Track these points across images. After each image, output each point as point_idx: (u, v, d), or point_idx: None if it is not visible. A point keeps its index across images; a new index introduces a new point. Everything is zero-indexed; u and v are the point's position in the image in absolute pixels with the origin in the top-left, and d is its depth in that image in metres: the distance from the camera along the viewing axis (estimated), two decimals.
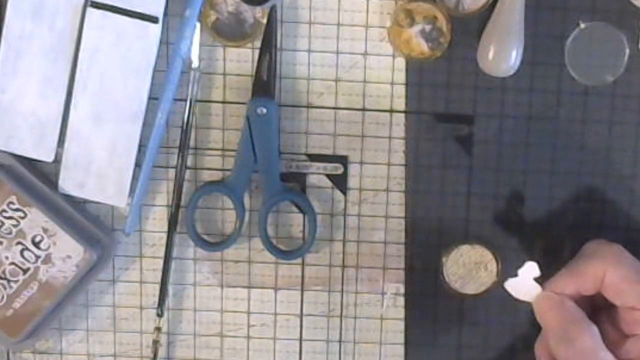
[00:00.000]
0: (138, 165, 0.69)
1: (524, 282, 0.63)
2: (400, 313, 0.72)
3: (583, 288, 0.63)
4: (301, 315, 0.73)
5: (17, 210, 0.68)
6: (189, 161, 0.70)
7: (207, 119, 0.70)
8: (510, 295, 0.65)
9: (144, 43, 0.66)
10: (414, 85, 0.69)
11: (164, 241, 0.71)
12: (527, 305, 0.65)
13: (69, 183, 0.69)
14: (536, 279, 0.63)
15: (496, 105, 0.69)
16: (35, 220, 0.68)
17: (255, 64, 0.68)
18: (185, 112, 0.69)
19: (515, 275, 0.63)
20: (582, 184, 0.70)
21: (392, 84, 0.69)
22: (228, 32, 0.68)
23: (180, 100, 0.69)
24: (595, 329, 0.61)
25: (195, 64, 0.68)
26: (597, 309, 0.65)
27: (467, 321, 0.72)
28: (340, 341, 0.73)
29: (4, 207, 0.68)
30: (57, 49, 0.67)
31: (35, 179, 0.69)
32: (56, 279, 0.69)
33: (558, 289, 0.63)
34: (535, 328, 0.65)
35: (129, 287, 0.73)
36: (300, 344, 0.73)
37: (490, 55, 0.66)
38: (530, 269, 0.63)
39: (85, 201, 0.70)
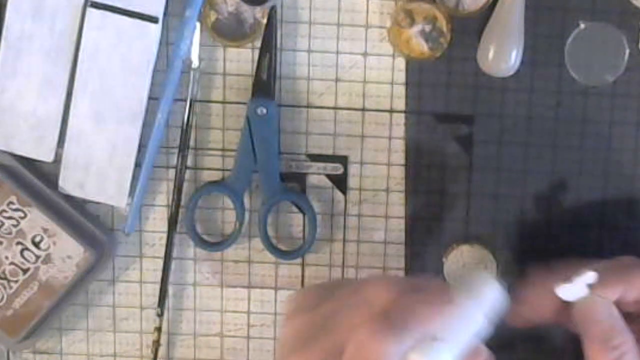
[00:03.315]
0: (138, 165, 0.69)
1: (577, 288, 0.62)
2: None
3: (627, 296, 0.62)
4: None
5: (17, 210, 0.68)
6: (189, 161, 0.70)
7: (207, 119, 0.70)
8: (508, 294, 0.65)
9: (144, 43, 0.66)
10: (414, 85, 0.69)
11: (164, 241, 0.71)
12: None
13: (69, 183, 0.69)
14: (589, 285, 0.61)
15: (496, 105, 0.69)
16: (35, 220, 0.68)
17: (255, 64, 0.68)
18: (185, 112, 0.69)
19: (570, 281, 0.61)
20: (582, 184, 0.70)
21: (392, 84, 0.69)
22: (228, 32, 0.68)
23: (180, 100, 0.69)
24: (634, 340, 0.61)
25: (195, 64, 0.68)
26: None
27: None
28: None
29: (4, 207, 0.68)
30: (57, 49, 0.67)
31: (35, 179, 0.69)
32: (56, 279, 0.69)
33: (604, 293, 0.62)
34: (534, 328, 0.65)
35: (129, 287, 0.73)
36: None
37: (490, 55, 0.66)
38: (588, 278, 0.61)
39: (85, 201, 0.70)
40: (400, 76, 0.69)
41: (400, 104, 0.69)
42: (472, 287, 0.55)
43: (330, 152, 0.70)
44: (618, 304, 0.63)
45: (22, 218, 0.68)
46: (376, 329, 0.52)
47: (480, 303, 0.54)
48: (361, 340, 0.52)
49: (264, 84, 0.68)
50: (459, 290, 0.54)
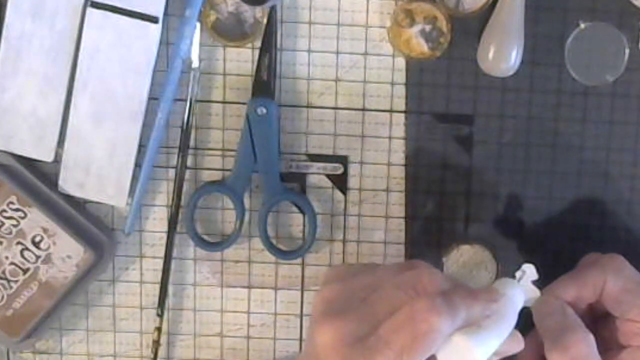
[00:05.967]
0: (138, 165, 0.69)
1: (518, 281, 0.62)
2: None
3: (582, 295, 0.63)
4: (301, 315, 0.73)
5: (17, 210, 0.68)
6: (189, 161, 0.70)
7: (207, 119, 0.70)
8: None
9: (144, 43, 0.66)
10: (414, 85, 0.69)
11: (164, 241, 0.71)
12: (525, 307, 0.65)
13: (69, 183, 0.69)
14: (534, 282, 0.62)
15: (496, 105, 0.69)
16: (35, 220, 0.68)
17: (255, 64, 0.68)
18: (185, 112, 0.69)
19: (513, 277, 0.62)
20: (582, 184, 0.70)
21: (392, 84, 0.69)
22: (228, 32, 0.68)
23: (180, 100, 0.69)
24: (591, 337, 0.61)
25: (195, 64, 0.68)
26: (596, 317, 0.65)
27: None
28: None
29: (4, 207, 0.68)
30: (57, 49, 0.67)
31: (35, 179, 0.69)
32: (56, 279, 0.69)
33: (558, 294, 0.63)
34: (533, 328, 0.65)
35: (129, 287, 0.73)
36: (300, 344, 0.73)
37: (490, 55, 0.66)
38: (526, 272, 0.62)
39: (85, 201, 0.70)
40: (400, 76, 0.69)
41: (400, 104, 0.69)
42: (506, 290, 0.59)
43: (330, 152, 0.70)
44: (581, 304, 0.64)
45: (22, 218, 0.68)
46: (436, 303, 0.54)
47: (513, 303, 0.59)
48: (417, 310, 0.54)
49: (264, 84, 0.68)
50: (498, 291, 0.59)
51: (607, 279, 0.63)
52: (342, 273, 0.59)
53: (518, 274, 0.62)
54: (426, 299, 0.55)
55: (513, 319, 0.59)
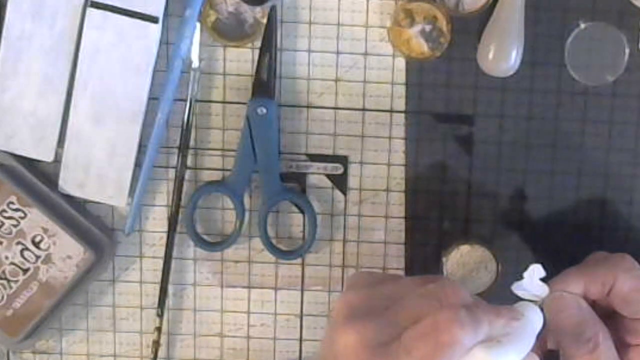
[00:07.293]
0: (138, 165, 0.69)
1: (531, 284, 0.63)
2: None
3: (590, 291, 0.63)
4: (301, 315, 0.73)
5: (17, 210, 0.68)
6: (189, 161, 0.70)
7: (207, 119, 0.70)
8: (509, 295, 0.65)
9: (144, 43, 0.66)
10: (414, 85, 0.69)
11: (164, 241, 0.71)
12: None
13: (69, 183, 0.69)
14: (542, 279, 0.63)
15: (496, 105, 0.69)
16: (35, 220, 0.68)
17: (255, 64, 0.68)
18: (185, 112, 0.69)
19: (521, 277, 0.62)
20: (582, 184, 0.70)
21: (392, 84, 0.69)
22: (228, 32, 0.68)
23: (180, 100, 0.69)
24: (607, 329, 0.61)
25: (195, 64, 0.68)
26: (598, 314, 0.65)
27: None
28: None
29: (4, 207, 0.68)
30: (57, 49, 0.67)
31: (35, 179, 0.69)
32: (56, 279, 0.69)
33: (565, 287, 0.63)
34: None
35: (129, 287, 0.73)
36: (300, 344, 0.73)
37: (490, 55, 0.66)
38: (535, 271, 0.62)
39: (85, 201, 0.70)
40: (400, 76, 0.69)
41: (400, 104, 0.69)
42: (527, 312, 0.60)
43: (330, 152, 0.70)
44: (586, 300, 0.63)
45: (22, 218, 0.68)
46: (460, 316, 0.55)
47: (533, 325, 0.60)
48: (441, 320, 0.55)
49: (264, 84, 0.68)
50: (519, 311, 0.60)
51: (618, 278, 0.63)
52: (367, 280, 0.60)
53: (527, 273, 0.62)
54: (450, 310, 0.55)
55: (532, 340, 0.59)
